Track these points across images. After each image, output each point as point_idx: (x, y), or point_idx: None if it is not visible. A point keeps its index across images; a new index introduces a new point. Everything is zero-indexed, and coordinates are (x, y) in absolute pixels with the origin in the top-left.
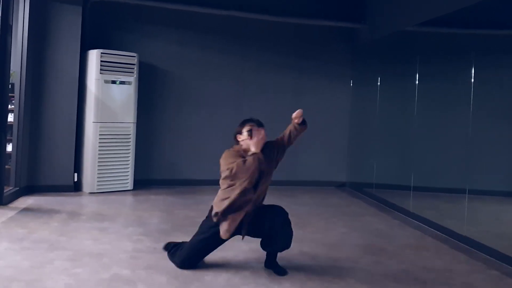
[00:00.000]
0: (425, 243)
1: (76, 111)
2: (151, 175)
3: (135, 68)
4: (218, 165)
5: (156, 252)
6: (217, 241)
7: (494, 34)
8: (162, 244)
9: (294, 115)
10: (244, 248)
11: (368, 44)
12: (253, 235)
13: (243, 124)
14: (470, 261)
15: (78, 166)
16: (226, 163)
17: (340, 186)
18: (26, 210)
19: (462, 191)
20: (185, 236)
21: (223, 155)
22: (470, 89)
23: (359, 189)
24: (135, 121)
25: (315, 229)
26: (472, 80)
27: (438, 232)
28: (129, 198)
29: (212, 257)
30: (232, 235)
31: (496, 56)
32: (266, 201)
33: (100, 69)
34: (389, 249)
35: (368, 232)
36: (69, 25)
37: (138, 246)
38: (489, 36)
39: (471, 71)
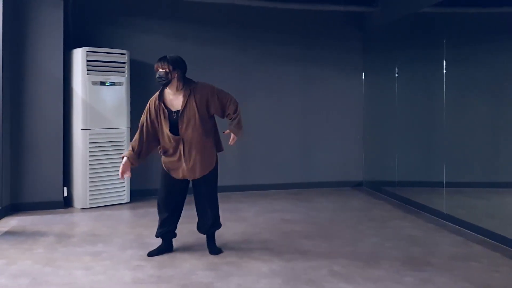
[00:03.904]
0: (473, 252)
1: (62, 118)
2: (149, 184)
3: (126, 67)
4: (222, 168)
5: (159, 282)
6: (173, 181)
7: None
8: (164, 271)
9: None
10: (264, 269)
11: (381, 29)
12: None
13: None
14: None
15: (67, 179)
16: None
17: (357, 186)
18: (8, 234)
19: (508, 185)
20: (192, 258)
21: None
22: None
23: (378, 188)
24: (129, 126)
25: (343, 240)
26: None
27: (484, 237)
28: (126, 213)
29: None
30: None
31: None
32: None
33: (87, 70)
34: (434, 262)
35: (403, 241)
36: (50, 22)
37: (138, 274)
38: None
39: None
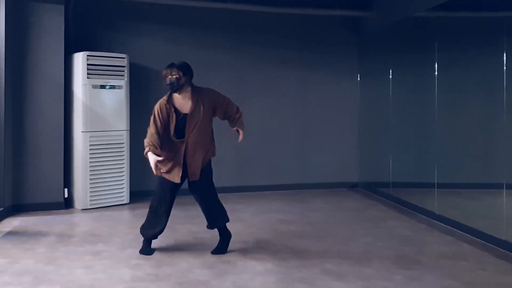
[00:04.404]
0: (461, 251)
1: (63, 120)
2: (148, 185)
3: (126, 71)
4: (220, 170)
5: (157, 280)
6: (171, 184)
7: None
8: (162, 269)
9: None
10: (259, 268)
11: (376, 33)
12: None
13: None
14: None
15: (68, 181)
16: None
17: (352, 187)
18: (10, 234)
19: (497, 186)
20: (190, 257)
21: (155, 106)
22: (503, 77)
23: (373, 189)
24: (128, 128)
25: (336, 240)
26: (505, 67)
27: (473, 237)
28: (125, 214)
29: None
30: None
31: None
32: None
33: (87, 73)
34: (424, 261)
35: (395, 240)
36: (51, 27)
37: (137, 273)
38: None
39: (503, 57)
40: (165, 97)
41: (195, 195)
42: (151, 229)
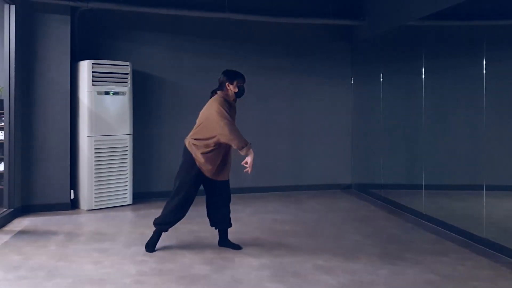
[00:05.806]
0: (444, 248)
1: (69, 126)
2: (150, 187)
3: (129, 78)
4: None
5: (161, 274)
6: (199, 182)
7: (507, 24)
8: (165, 265)
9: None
10: (255, 264)
11: (368, 41)
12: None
13: (237, 77)
14: (494, 266)
15: (74, 183)
16: (222, 111)
17: (346, 188)
18: (22, 233)
19: (478, 187)
20: (191, 254)
21: (219, 103)
22: (482, 82)
23: (365, 191)
24: (131, 133)
25: (327, 238)
26: (484, 72)
27: (456, 235)
28: (129, 214)
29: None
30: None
31: (510, 47)
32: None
33: (92, 81)
34: (408, 257)
35: (382, 238)
36: (57, 36)
37: (142, 268)
38: (502, 27)
39: (483, 63)
40: (222, 99)
41: (216, 195)
42: (171, 223)
